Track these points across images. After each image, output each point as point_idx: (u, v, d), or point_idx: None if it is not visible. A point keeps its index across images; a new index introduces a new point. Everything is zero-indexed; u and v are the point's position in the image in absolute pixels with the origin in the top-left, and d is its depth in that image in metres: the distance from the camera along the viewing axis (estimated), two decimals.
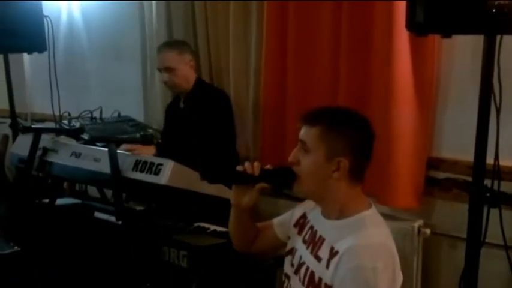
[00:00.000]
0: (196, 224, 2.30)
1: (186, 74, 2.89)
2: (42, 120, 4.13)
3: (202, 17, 3.23)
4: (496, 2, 1.69)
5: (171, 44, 2.98)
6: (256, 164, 1.62)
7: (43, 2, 3.49)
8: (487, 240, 2.09)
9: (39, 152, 2.50)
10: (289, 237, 1.72)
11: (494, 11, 1.70)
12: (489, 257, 2.20)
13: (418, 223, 2.53)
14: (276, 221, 1.81)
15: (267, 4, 2.94)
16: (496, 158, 2.11)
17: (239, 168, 1.63)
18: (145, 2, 3.49)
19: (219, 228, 2.23)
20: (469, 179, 2.10)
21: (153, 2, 3.42)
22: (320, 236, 1.56)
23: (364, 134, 1.54)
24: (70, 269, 2.44)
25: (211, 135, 2.73)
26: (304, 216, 1.70)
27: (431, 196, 2.57)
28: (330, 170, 1.50)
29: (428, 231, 2.55)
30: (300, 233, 1.67)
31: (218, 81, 3.19)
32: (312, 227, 1.62)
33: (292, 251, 1.67)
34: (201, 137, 2.74)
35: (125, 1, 3.63)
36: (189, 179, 2.11)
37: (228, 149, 2.84)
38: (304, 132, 1.54)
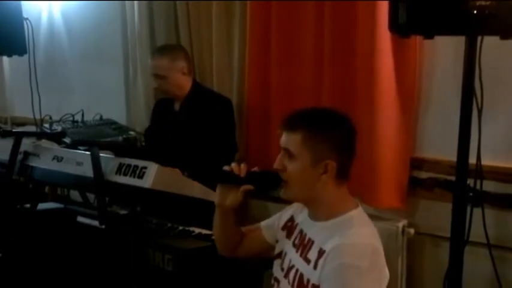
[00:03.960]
0: (181, 227, 2.29)
1: (178, 81, 2.82)
2: (22, 124, 4.06)
3: (185, 17, 3.22)
4: (477, 4, 1.71)
5: (163, 51, 2.87)
6: (243, 165, 1.63)
7: (23, 2, 3.44)
8: (470, 239, 2.11)
9: (20, 157, 2.46)
10: (277, 241, 1.72)
11: (475, 12, 1.72)
12: (473, 255, 2.21)
13: (402, 223, 2.55)
14: (264, 224, 1.80)
15: (250, 4, 2.94)
16: (479, 157, 2.13)
17: (226, 168, 1.63)
18: (127, 2, 3.47)
19: (204, 231, 2.22)
20: (451, 178, 2.12)
21: (135, 2, 3.40)
22: (309, 239, 1.57)
23: (346, 132, 1.55)
24: (54, 274, 2.41)
25: (212, 142, 2.68)
26: (292, 220, 1.70)
27: (415, 196, 2.59)
28: (318, 173, 1.51)
29: (412, 231, 2.57)
30: (289, 236, 1.66)
31: (201, 81, 3.17)
32: (301, 231, 1.63)
33: (281, 255, 1.66)
34: (198, 142, 2.69)
35: (107, 1, 3.60)
36: (173, 182, 2.10)
37: (229, 156, 2.74)
38: (285, 138, 1.54)
